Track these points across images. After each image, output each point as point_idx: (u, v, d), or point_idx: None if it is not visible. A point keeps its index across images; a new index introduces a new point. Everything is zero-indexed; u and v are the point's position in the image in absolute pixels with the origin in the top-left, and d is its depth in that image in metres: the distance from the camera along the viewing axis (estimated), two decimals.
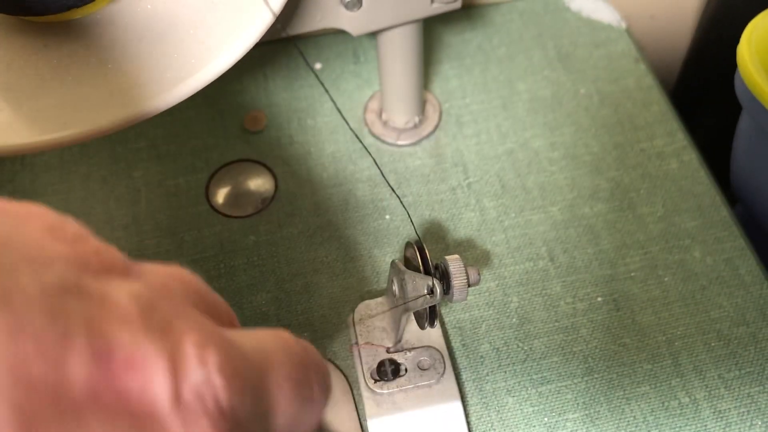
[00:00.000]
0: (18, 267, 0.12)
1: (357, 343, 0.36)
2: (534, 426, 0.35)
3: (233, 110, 0.48)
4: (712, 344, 0.37)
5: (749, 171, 0.44)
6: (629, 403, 0.35)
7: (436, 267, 0.33)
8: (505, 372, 0.37)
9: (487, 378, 0.36)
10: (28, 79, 0.29)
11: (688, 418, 0.35)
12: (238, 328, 0.17)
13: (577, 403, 0.35)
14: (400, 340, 0.35)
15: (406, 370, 0.35)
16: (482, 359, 0.37)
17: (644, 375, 0.36)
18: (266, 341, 0.17)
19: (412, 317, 0.36)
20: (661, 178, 0.43)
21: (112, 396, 0.12)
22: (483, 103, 0.48)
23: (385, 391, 0.34)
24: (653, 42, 0.56)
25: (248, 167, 0.45)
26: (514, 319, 0.38)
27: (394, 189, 0.44)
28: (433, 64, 0.50)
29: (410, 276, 0.31)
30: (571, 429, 0.35)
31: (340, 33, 0.38)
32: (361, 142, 0.44)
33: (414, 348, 0.36)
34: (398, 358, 0.35)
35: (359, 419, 0.35)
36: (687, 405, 0.35)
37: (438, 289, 0.30)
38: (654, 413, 0.35)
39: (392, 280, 0.34)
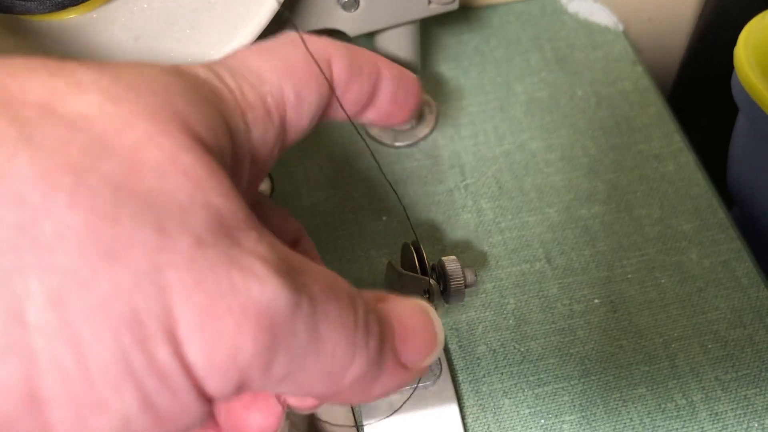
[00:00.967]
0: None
1: None
2: (531, 428, 0.35)
3: None
4: (709, 346, 0.37)
5: (746, 173, 0.44)
6: (626, 405, 0.35)
7: (433, 268, 0.33)
8: (502, 374, 0.37)
9: (483, 380, 0.36)
10: None
11: (684, 420, 0.35)
12: None
13: (574, 405, 0.35)
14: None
15: None
16: (479, 361, 0.37)
17: (641, 377, 0.36)
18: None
19: None
20: (658, 180, 0.43)
21: None
22: (480, 104, 0.48)
23: None
24: (650, 44, 0.56)
25: None
26: (510, 321, 0.38)
27: (394, 188, 0.43)
28: (430, 66, 0.50)
29: (407, 277, 0.31)
30: (568, 431, 0.35)
31: (337, 34, 0.38)
32: (362, 138, 0.44)
33: None
34: None
35: (355, 422, 0.35)
36: (684, 407, 0.35)
37: (435, 291, 0.30)
38: (651, 415, 0.35)
39: (389, 282, 0.34)
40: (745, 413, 0.35)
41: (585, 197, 0.43)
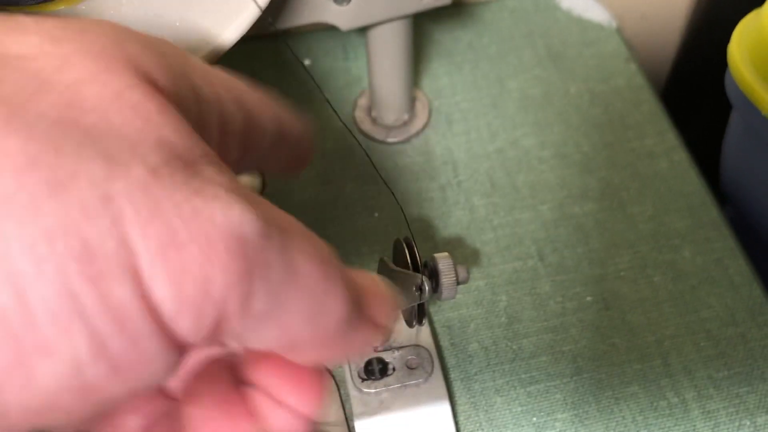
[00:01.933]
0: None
1: None
2: (523, 426, 0.35)
3: None
4: (702, 344, 0.37)
5: (739, 171, 0.44)
6: (618, 403, 0.35)
7: (425, 265, 0.33)
8: (494, 371, 0.36)
9: (475, 377, 0.36)
10: None
11: (677, 418, 0.34)
12: None
13: (566, 403, 0.35)
14: (388, 339, 0.35)
15: (393, 369, 0.35)
16: (471, 358, 0.37)
17: (633, 375, 0.36)
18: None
19: (401, 315, 0.35)
20: (651, 177, 0.43)
21: None
22: (473, 101, 0.47)
23: (372, 391, 0.34)
24: (644, 41, 0.56)
25: None
26: (503, 318, 0.38)
27: (387, 184, 0.43)
28: (423, 62, 0.50)
29: (399, 274, 0.31)
30: (560, 429, 0.35)
31: (329, 29, 0.37)
32: (354, 136, 0.43)
33: (402, 347, 0.35)
34: (386, 356, 0.35)
35: (346, 419, 0.35)
36: (676, 405, 0.35)
37: (427, 287, 0.30)
38: (643, 413, 0.35)
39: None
40: (737, 411, 0.35)
41: (578, 195, 0.43)
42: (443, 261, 0.32)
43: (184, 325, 0.13)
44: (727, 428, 0.34)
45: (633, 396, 0.35)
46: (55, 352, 0.12)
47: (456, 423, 0.35)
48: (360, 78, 0.49)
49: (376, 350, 0.35)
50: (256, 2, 0.29)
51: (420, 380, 0.34)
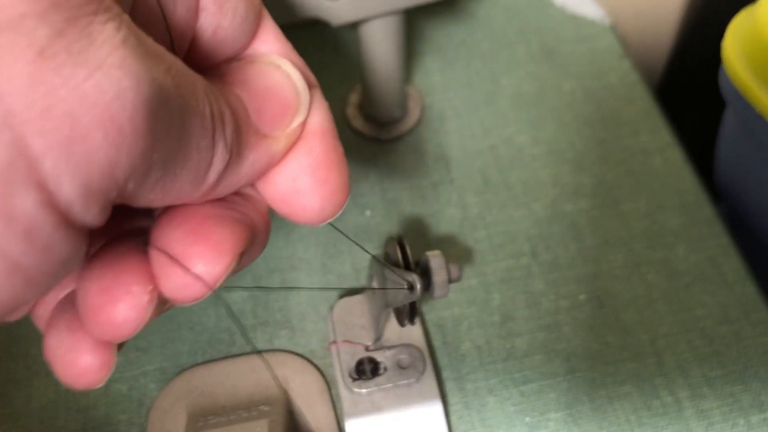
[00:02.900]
0: None
1: (335, 341, 0.35)
2: (516, 425, 0.34)
3: None
4: (696, 343, 0.37)
5: (733, 168, 0.44)
6: (612, 403, 0.35)
7: (418, 263, 0.32)
8: (487, 371, 0.36)
9: (468, 377, 0.36)
10: None
11: (671, 418, 0.34)
12: None
13: (560, 403, 0.35)
14: (379, 338, 0.35)
15: (385, 368, 0.34)
16: (463, 357, 0.36)
17: (627, 374, 0.36)
18: None
19: (392, 315, 0.35)
20: (645, 175, 0.43)
21: None
22: (466, 98, 0.47)
23: (363, 391, 0.34)
24: (638, 38, 0.56)
25: None
26: (495, 317, 0.38)
27: (374, 182, 0.43)
28: (415, 58, 0.49)
29: (390, 272, 0.31)
30: (553, 428, 0.34)
31: (320, 24, 0.37)
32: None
33: (394, 346, 0.35)
34: (377, 356, 0.35)
35: (337, 419, 0.34)
36: (670, 404, 0.35)
37: (418, 285, 0.29)
38: (637, 412, 0.34)
39: (372, 276, 0.34)
40: (731, 410, 0.34)
41: (571, 192, 0.42)
42: (435, 259, 0.31)
43: (91, 213, 0.13)
44: (721, 427, 0.34)
45: (627, 395, 0.35)
46: None
47: (448, 423, 0.34)
48: (351, 74, 0.48)
49: (368, 350, 0.35)
50: None
51: (412, 380, 0.34)
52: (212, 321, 0.38)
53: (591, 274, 0.39)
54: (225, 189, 0.17)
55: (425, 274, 0.31)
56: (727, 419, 0.34)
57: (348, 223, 0.41)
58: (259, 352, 0.37)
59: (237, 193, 0.19)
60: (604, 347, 0.37)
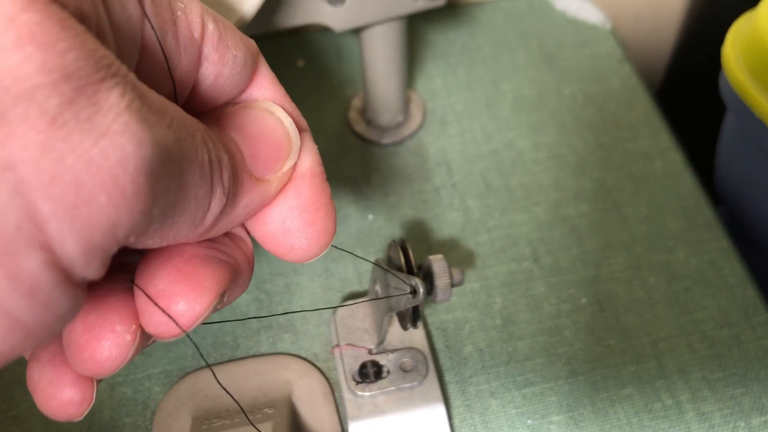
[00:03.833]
0: None
1: (338, 344, 0.35)
2: (518, 428, 0.35)
3: None
4: (696, 345, 0.37)
5: (733, 172, 0.44)
6: (613, 405, 0.35)
7: (420, 267, 0.32)
8: (489, 374, 0.36)
9: (470, 380, 0.36)
10: None
11: (672, 420, 0.34)
12: None
13: (561, 405, 0.35)
14: (382, 342, 0.35)
15: (388, 371, 0.34)
16: (465, 361, 0.37)
17: (628, 377, 0.36)
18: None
19: (395, 318, 0.35)
20: (646, 178, 0.43)
21: None
22: (467, 102, 0.47)
23: (366, 394, 0.34)
24: (638, 42, 0.56)
25: None
26: (497, 321, 0.38)
27: (376, 186, 0.43)
28: (417, 63, 0.50)
29: (393, 275, 0.31)
30: (555, 431, 0.34)
31: (323, 30, 0.37)
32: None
33: (396, 349, 0.35)
34: (380, 359, 0.35)
35: (340, 422, 0.35)
36: (671, 407, 0.35)
37: (421, 289, 0.30)
38: (638, 415, 0.35)
39: (375, 280, 0.34)
40: (731, 413, 0.35)
41: (572, 196, 0.43)
42: (438, 263, 0.31)
43: (92, 269, 0.13)
44: (722, 430, 0.34)
45: (628, 398, 0.35)
46: None
47: (451, 426, 0.34)
48: (354, 79, 0.49)
49: (371, 353, 0.35)
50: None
51: (415, 383, 0.34)
52: (216, 325, 0.38)
53: (592, 277, 0.39)
54: (218, 230, 0.18)
55: (428, 277, 0.31)
56: (728, 422, 0.34)
57: (350, 227, 0.42)
58: (209, 365, 0.37)
59: (224, 233, 0.19)
60: (605, 350, 0.37)
